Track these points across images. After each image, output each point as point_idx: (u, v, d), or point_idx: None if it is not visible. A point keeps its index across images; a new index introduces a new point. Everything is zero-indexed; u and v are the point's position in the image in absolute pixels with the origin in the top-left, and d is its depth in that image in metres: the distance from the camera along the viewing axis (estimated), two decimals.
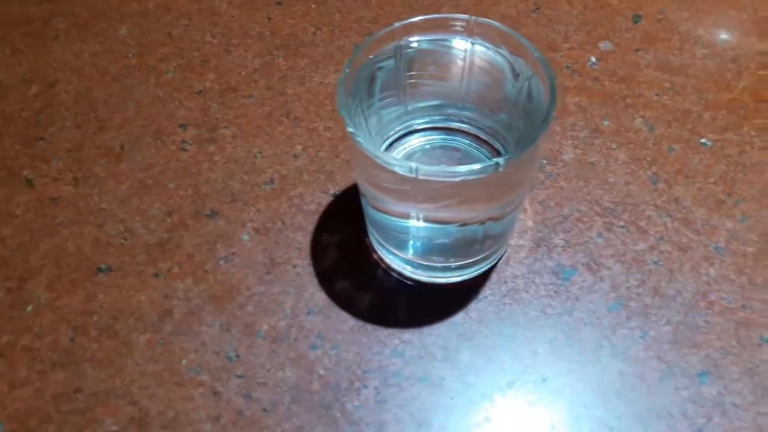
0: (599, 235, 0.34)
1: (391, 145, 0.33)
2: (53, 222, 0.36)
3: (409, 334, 0.32)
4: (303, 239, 0.35)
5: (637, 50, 0.42)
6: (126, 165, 0.38)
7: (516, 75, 0.29)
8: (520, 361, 0.31)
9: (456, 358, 0.31)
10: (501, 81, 0.30)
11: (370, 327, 0.32)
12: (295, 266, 0.34)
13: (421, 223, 0.29)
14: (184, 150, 0.38)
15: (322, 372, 0.31)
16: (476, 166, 0.25)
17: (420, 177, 0.25)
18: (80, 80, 0.42)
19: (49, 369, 0.31)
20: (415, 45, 0.30)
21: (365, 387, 0.30)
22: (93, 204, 0.37)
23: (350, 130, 0.26)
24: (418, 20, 0.29)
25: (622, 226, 0.35)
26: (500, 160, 0.25)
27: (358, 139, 0.26)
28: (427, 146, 0.33)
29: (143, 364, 0.31)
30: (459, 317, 0.32)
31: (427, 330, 0.32)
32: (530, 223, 0.35)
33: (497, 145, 0.32)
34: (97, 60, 0.43)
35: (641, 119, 0.39)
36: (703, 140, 0.38)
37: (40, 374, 0.31)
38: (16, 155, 0.39)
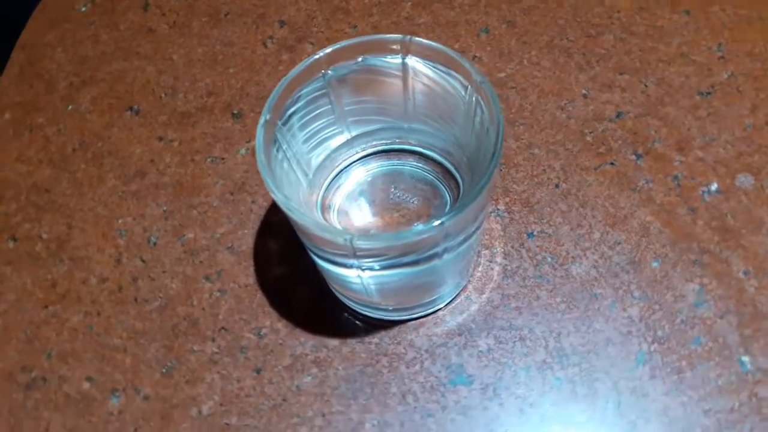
0: (527, 368, 0.29)
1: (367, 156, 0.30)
2: (136, 49, 0.40)
3: (282, 325, 0.31)
4: None
5: None
6: (216, 32, 0.40)
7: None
8: (339, 420, 0.29)
9: (294, 374, 0.30)
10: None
11: (260, 295, 0.32)
12: (254, 202, 0.34)
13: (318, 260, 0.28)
14: (265, 46, 0.39)
15: (195, 303, 0.32)
16: (333, 234, 0.23)
17: (287, 213, 0.23)
18: None
19: (46, 162, 0.37)
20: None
21: (213, 340, 0.31)
22: (168, 52, 0.40)
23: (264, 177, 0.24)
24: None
25: (558, 377, 0.29)
26: (353, 236, 0.22)
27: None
28: (390, 169, 0.30)
29: (96, 202, 0.35)
30: (333, 342, 0.30)
31: (300, 332, 0.31)
32: (474, 307, 0.31)
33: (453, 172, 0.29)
34: None
35: (697, 287, 0.30)
36: (744, 358, 0.28)
37: (38, 163, 0.37)
38: None
